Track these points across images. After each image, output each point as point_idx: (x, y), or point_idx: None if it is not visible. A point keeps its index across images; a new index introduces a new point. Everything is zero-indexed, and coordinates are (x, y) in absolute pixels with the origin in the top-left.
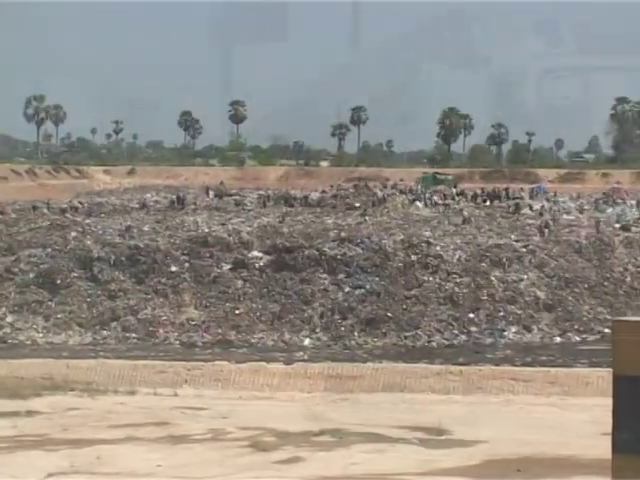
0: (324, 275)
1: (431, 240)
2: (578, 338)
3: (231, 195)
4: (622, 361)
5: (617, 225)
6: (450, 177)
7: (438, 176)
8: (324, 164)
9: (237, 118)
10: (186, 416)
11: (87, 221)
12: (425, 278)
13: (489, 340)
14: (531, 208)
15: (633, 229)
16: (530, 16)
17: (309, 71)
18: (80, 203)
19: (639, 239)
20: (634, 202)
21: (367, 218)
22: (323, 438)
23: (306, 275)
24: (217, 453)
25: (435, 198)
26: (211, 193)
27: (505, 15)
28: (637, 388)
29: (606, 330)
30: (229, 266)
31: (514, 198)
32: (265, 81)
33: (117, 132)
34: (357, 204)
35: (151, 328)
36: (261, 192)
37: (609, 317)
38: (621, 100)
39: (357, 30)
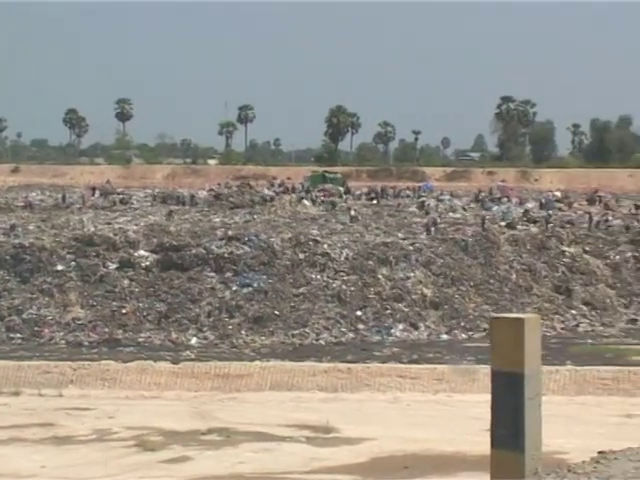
0: (211, 274)
1: (319, 238)
2: (464, 335)
3: (117, 194)
4: (499, 358)
5: (502, 223)
6: (339, 175)
7: (327, 174)
8: (212, 162)
9: (123, 116)
10: (71, 416)
11: None
12: (313, 276)
13: (376, 337)
14: (421, 206)
15: (518, 227)
16: None
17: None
18: None
19: (524, 237)
20: (519, 200)
21: (255, 216)
22: (211, 437)
23: (193, 274)
24: (102, 453)
25: (322, 197)
26: (97, 192)
27: None
28: (514, 384)
29: None
30: (115, 265)
31: (419, 197)
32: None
33: (0, 130)
34: (246, 202)
35: (36, 328)
36: (148, 190)
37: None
38: (506, 99)
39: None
